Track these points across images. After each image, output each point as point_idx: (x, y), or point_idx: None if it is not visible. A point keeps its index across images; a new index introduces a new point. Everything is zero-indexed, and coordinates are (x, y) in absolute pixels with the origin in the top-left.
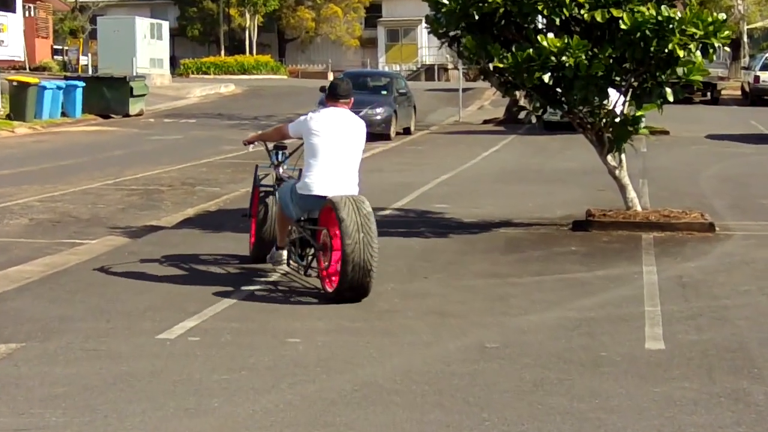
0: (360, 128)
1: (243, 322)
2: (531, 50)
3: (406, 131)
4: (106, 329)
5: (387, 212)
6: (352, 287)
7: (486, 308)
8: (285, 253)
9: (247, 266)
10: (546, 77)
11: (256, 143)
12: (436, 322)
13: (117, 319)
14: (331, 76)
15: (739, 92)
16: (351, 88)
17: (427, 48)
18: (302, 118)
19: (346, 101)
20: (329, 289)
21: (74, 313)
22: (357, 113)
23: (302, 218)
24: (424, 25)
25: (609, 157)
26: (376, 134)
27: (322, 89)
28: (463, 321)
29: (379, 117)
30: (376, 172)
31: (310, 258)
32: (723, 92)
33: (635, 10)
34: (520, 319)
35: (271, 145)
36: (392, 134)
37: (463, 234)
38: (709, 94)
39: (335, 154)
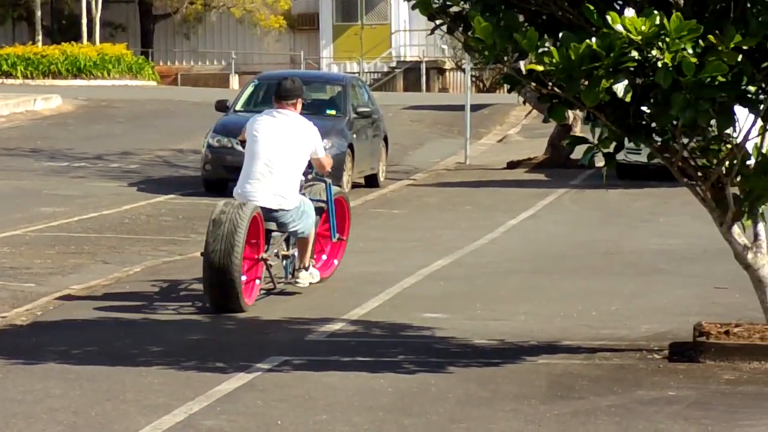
0: (305, 134)
1: None
2: (594, 40)
3: (371, 181)
4: None
5: (338, 327)
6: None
7: None
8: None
9: None
10: (621, 88)
11: None
12: None
13: None
14: (236, 82)
15: None
16: (299, 87)
17: (408, 33)
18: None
19: (292, 102)
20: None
21: None
22: None
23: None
24: None
25: (735, 229)
26: None
27: (221, 106)
28: None
29: None
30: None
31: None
32: None
33: None
34: None
35: None
36: (345, 186)
37: (473, 366)
38: None
39: (267, 160)
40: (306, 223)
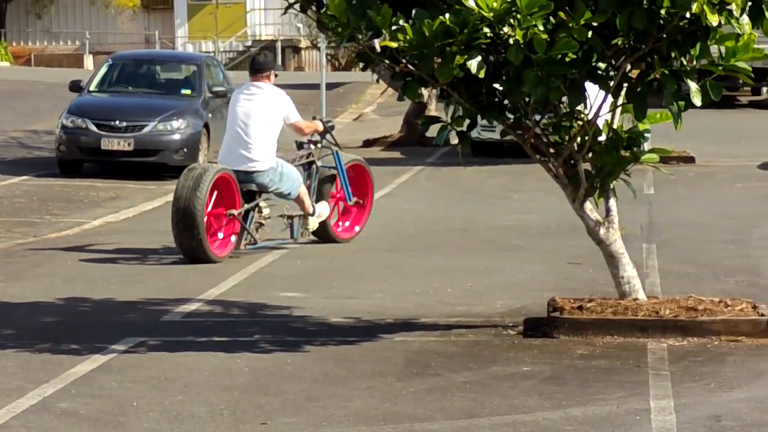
0: (274, 103)
1: None
2: (447, 16)
3: None
4: None
5: (193, 308)
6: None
7: None
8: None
9: None
10: (474, 64)
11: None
12: None
13: None
14: (90, 62)
15: None
16: (271, 59)
17: (264, 12)
18: None
19: (266, 75)
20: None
21: None
22: (141, 128)
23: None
24: None
25: (588, 205)
26: (173, 167)
27: (75, 87)
28: None
29: (176, 137)
30: (171, 236)
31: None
32: None
33: None
34: None
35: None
36: None
37: (330, 345)
38: (765, 90)
39: (239, 129)
40: (289, 184)
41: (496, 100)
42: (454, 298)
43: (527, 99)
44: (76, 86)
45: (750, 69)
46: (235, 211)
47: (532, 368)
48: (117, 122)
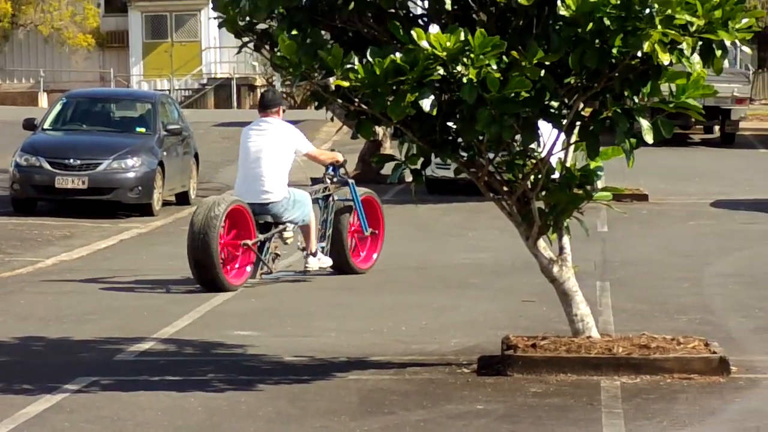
0: (284, 137)
1: None
2: (399, 55)
3: (182, 198)
4: None
5: (147, 346)
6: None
7: None
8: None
9: None
10: (426, 103)
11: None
12: None
13: None
14: (45, 100)
15: None
16: (279, 96)
17: (219, 50)
18: None
19: (274, 110)
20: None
21: None
22: (95, 166)
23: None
24: (211, 10)
25: (541, 243)
26: (128, 205)
27: (29, 125)
28: None
29: (131, 175)
30: (130, 273)
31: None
32: (742, 124)
33: None
34: None
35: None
36: (156, 204)
37: (284, 384)
38: (717, 128)
39: (252, 164)
40: (301, 211)
41: (450, 138)
42: (408, 336)
43: (481, 137)
44: (30, 124)
45: (700, 107)
46: (249, 241)
47: (486, 406)
48: (71, 160)
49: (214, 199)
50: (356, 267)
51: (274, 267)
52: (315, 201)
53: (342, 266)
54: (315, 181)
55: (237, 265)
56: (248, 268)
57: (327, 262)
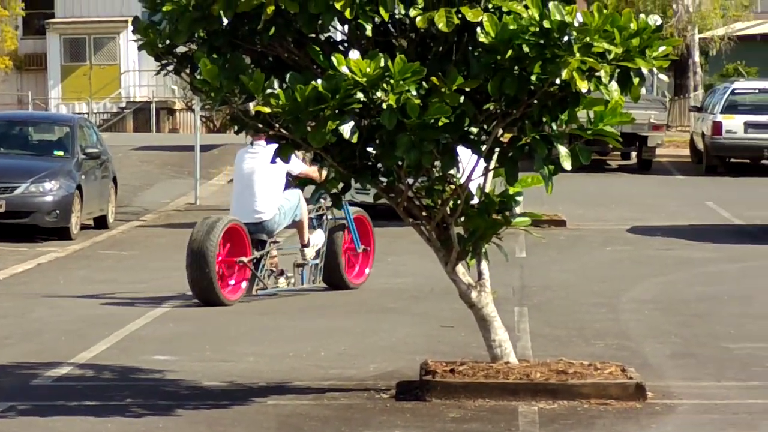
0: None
1: None
2: (320, 81)
3: (100, 222)
4: None
5: (64, 371)
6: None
7: None
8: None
9: None
10: (347, 129)
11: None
12: None
13: None
14: None
15: (686, 151)
16: None
17: (138, 74)
18: None
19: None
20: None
21: None
22: (13, 189)
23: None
24: (131, 33)
25: (460, 269)
26: (46, 229)
27: None
28: None
29: (49, 198)
30: (43, 299)
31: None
32: (659, 151)
33: (505, 9)
34: None
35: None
36: (74, 228)
37: (202, 409)
38: (634, 154)
39: (244, 186)
40: (292, 214)
41: (370, 163)
42: (327, 361)
43: (400, 163)
44: None
45: (618, 133)
46: (245, 258)
47: None
48: None
49: (215, 217)
50: (350, 282)
51: (269, 283)
52: (309, 220)
53: (337, 282)
54: (309, 200)
55: (233, 282)
56: (243, 284)
57: (318, 239)
